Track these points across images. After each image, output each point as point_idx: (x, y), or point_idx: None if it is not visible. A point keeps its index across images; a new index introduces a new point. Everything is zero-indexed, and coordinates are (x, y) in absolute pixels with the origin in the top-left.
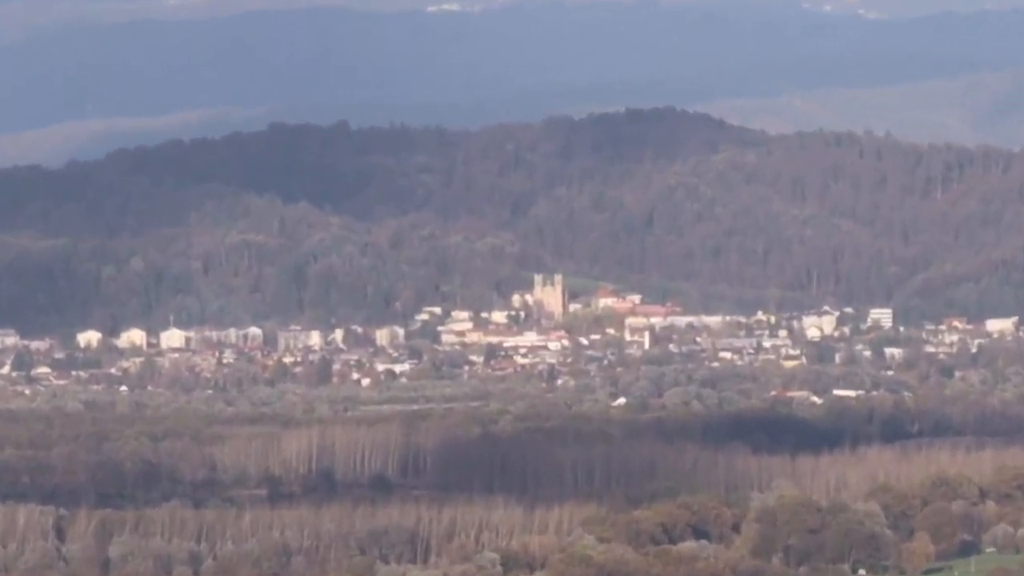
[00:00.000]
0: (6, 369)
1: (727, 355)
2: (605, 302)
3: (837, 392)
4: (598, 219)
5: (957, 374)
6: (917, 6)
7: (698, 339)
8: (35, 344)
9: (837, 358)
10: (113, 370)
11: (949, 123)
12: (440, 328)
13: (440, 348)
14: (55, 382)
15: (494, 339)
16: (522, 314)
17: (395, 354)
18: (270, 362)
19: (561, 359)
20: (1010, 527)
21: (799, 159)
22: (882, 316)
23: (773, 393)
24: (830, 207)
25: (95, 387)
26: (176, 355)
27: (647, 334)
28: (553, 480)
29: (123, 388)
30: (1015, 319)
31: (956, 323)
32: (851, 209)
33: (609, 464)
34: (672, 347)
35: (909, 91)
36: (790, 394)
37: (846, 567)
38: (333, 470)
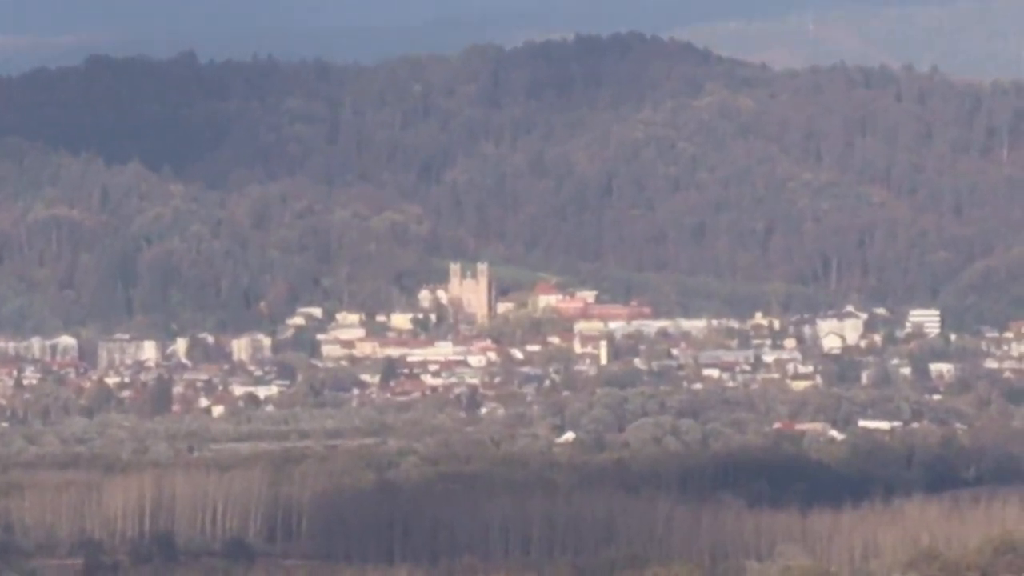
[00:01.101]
0: None
1: (714, 373)
2: (546, 300)
3: (864, 424)
4: (538, 187)
5: None
6: None
7: (674, 351)
8: None
9: (864, 377)
10: None
11: (1016, 54)
12: (321, 336)
13: (320, 364)
14: None
15: (394, 351)
16: (433, 317)
17: (259, 372)
18: (88, 383)
19: (487, 379)
20: None
21: (814, 104)
22: (926, 320)
23: (777, 425)
24: (855, 170)
25: None
26: None
27: (604, 344)
28: (475, 545)
29: None
30: None
31: None
32: (884, 173)
33: (552, 523)
34: (639, 362)
35: (964, 11)
36: (800, 427)
37: None
38: (174, 532)
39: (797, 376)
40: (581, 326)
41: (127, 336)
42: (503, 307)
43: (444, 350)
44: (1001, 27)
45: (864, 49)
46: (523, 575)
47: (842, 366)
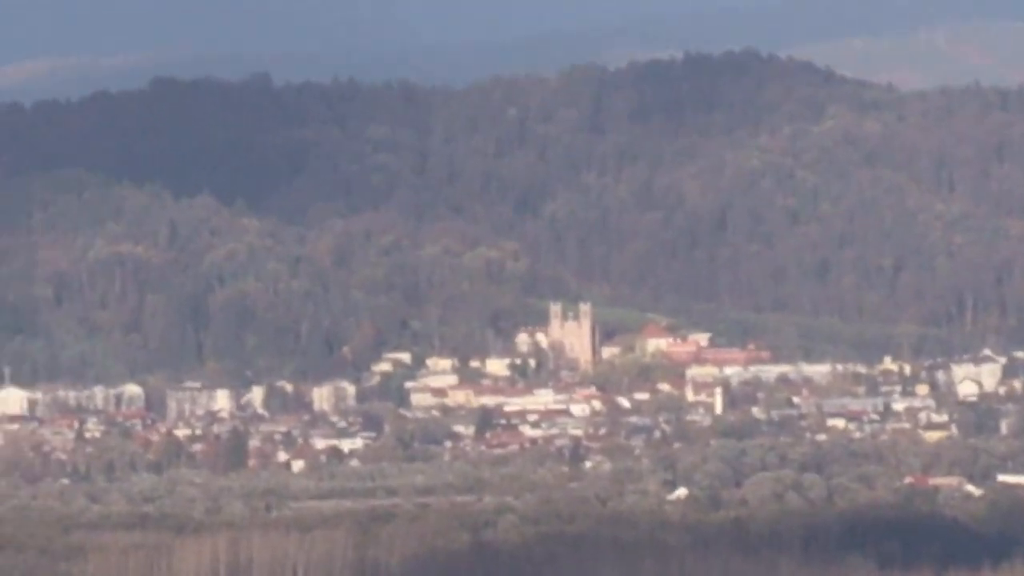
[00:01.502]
0: None
1: (839, 423)
2: (656, 344)
3: (1004, 478)
4: (645, 221)
5: None
6: None
7: (796, 399)
8: None
9: (1004, 427)
10: None
11: None
12: (409, 384)
13: (409, 414)
14: None
15: (490, 400)
16: (532, 362)
17: (342, 424)
18: (156, 436)
19: (591, 430)
20: None
21: (945, 128)
22: None
23: (909, 480)
24: (992, 201)
25: None
26: (15, 426)
27: (719, 392)
28: None
29: None
30: None
31: None
32: (1023, 204)
33: None
34: (757, 411)
35: None
36: (934, 481)
37: None
38: None
39: (930, 426)
40: (694, 372)
41: (198, 385)
42: (608, 351)
43: (544, 399)
44: None
45: (1000, 68)
46: None
47: (980, 414)
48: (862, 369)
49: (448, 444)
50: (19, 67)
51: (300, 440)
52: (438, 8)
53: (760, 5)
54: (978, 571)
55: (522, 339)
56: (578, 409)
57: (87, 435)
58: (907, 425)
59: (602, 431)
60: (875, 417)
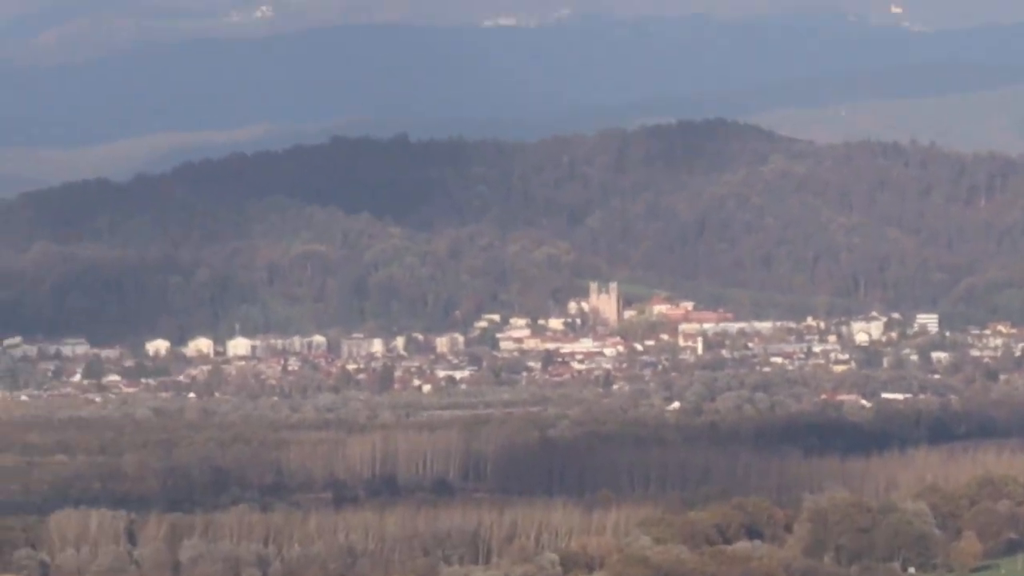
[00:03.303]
0: (77, 377)
1: (778, 360)
2: (659, 309)
3: (886, 396)
4: (652, 228)
5: (1002, 377)
6: (960, 19)
7: (750, 344)
8: (105, 353)
9: (885, 362)
10: (181, 378)
11: (993, 133)
12: (499, 335)
13: (499, 355)
14: (125, 390)
15: (551, 345)
16: (578, 321)
17: (455, 361)
18: (334, 369)
19: (616, 365)
20: None
21: (847, 169)
22: (928, 321)
23: (823, 397)
24: (877, 216)
25: (164, 394)
26: (242, 363)
27: (700, 340)
28: (610, 483)
29: (191, 395)
30: None
31: (1000, 327)
32: (897, 217)
33: (665, 467)
34: (724, 352)
35: (953, 102)
36: (840, 398)
37: (896, 566)
38: (396, 474)
39: (837, 362)
40: (684, 327)
41: (361, 335)
42: (628, 314)
43: (586, 345)
44: (978, 113)
45: (882, 129)
46: (642, 505)
47: (869, 355)
48: (792, 324)
49: (524, 374)
50: (245, 130)
51: (428, 372)
52: (516, 88)
53: (725, 89)
54: (868, 456)
55: (572, 306)
56: (608, 351)
57: (289, 368)
58: (822, 361)
59: (624, 366)
60: (801, 356)
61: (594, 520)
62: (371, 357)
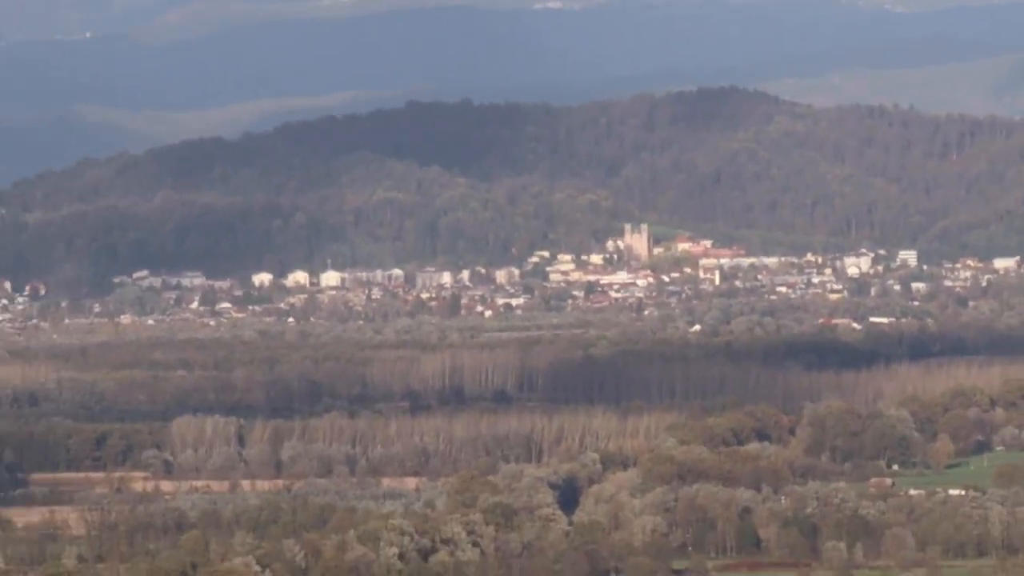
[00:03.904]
0: (195, 305)
1: (783, 290)
2: (683, 246)
3: (873, 319)
4: (676, 179)
5: (971, 304)
6: (936, 0)
7: (759, 276)
8: (218, 284)
9: (872, 292)
10: (282, 305)
11: (963, 98)
12: (548, 269)
13: (548, 285)
14: (235, 315)
15: (592, 278)
16: (615, 257)
17: (511, 290)
18: (410, 298)
19: (647, 294)
20: (1016, 429)
21: (840, 128)
22: (909, 257)
23: (820, 321)
24: (865, 168)
25: (267, 319)
26: (333, 292)
27: (717, 273)
28: (642, 393)
29: (290, 320)
30: (1017, 259)
31: (969, 262)
32: (882, 169)
33: (687, 380)
34: (738, 283)
35: (930, 72)
36: (835, 322)
37: (882, 463)
38: (462, 386)
39: (832, 291)
40: (704, 262)
41: (433, 269)
42: (656, 251)
43: (622, 277)
44: (950, 81)
45: (870, 95)
46: (668, 412)
47: (859, 285)
48: (795, 260)
49: (569, 301)
50: (334, 95)
51: (488, 299)
52: (562, 61)
53: (738, 61)
54: (858, 370)
55: (609, 244)
56: (640, 283)
57: (372, 297)
58: (819, 291)
59: (653, 294)
60: (802, 286)
61: (628, 425)
62: (441, 287)
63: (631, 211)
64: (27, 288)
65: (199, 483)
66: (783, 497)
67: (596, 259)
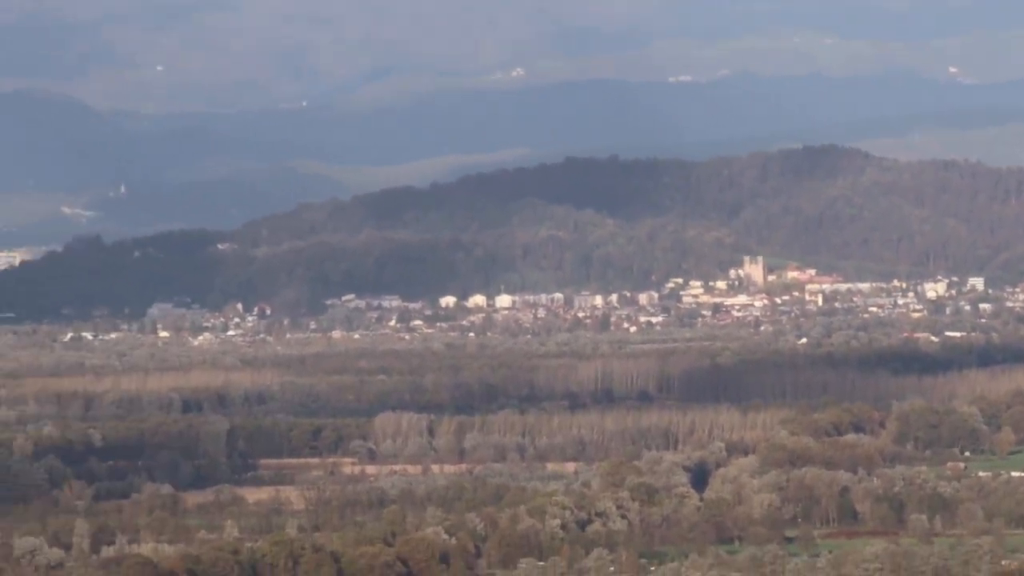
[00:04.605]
0: (392, 322)
1: (874, 309)
2: (792, 275)
3: (948, 334)
4: (786, 220)
5: None
6: (997, 75)
7: (854, 299)
8: (412, 305)
9: (947, 311)
10: (464, 322)
11: (1019, 154)
12: (682, 293)
13: (682, 306)
14: (425, 330)
15: (718, 300)
16: (736, 283)
17: (652, 311)
18: (568, 316)
19: (763, 313)
20: None
21: (920, 179)
22: (977, 283)
23: (904, 335)
24: (941, 211)
25: (452, 334)
26: (506, 312)
27: (820, 296)
28: (759, 394)
29: (471, 334)
30: None
31: None
32: (955, 212)
33: (796, 383)
34: (837, 304)
35: (992, 132)
36: (916, 336)
37: (956, 451)
38: (612, 388)
39: (914, 311)
40: (809, 287)
41: (587, 293)
42: (770, 278)
43: (742, 299)
44: (1012, 141)
45: (945, 151)
46: (781, 409)
47: (936, 306)
48: (883, 285)
49: (699, 319)
50: (506, 152)
51: (633, 318)
52: (692, 123)
53: (837, 123)
54: (936, 375)
55: (732, 272)
56: (757, 304)
57: (538, 316)
58: (904, 310)
59: (768, 314)
60: (890, 307)
61: (748, 419)
62: (594, 308)
63: (749, 246)
64: (255, 309)
65: (397, 467)
66: (875, 478)
67: (721, 285)
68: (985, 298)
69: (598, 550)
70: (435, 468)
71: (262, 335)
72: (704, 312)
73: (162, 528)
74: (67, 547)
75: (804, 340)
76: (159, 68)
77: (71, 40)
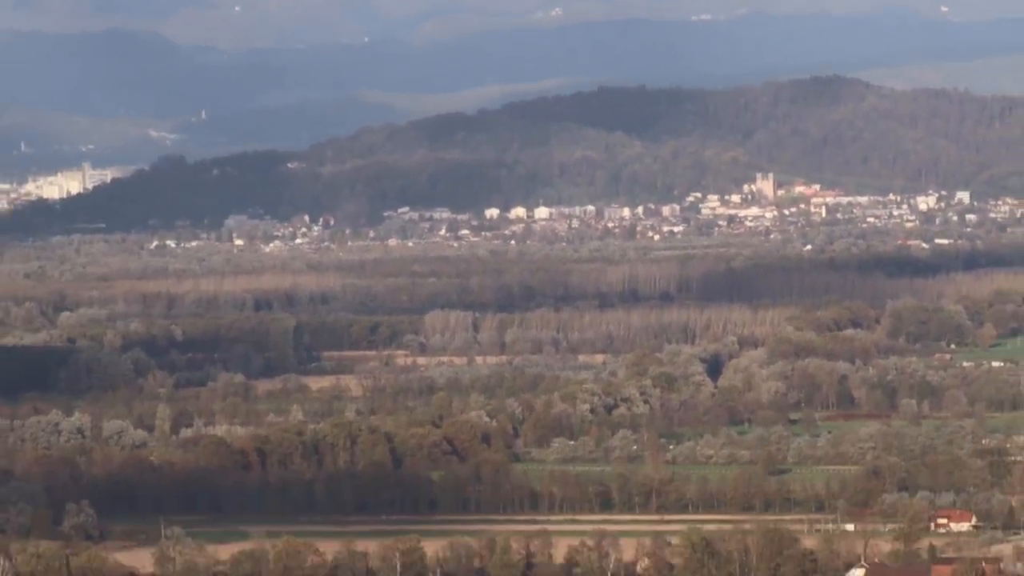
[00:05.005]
0: (443, 232)
1: (872, 219)
2: (799, 189)
3: (938, 241)
4: (794, 141)
5: (1008, 229)
6: (983, 13)
7: (854, 210)
8: (460, 216)
9: (937, 221)
10: (506, 232)
11: (1004, 83)
12: (701, 205)
13: (701, 217)
14: (471, 239)
15: (733, 212)
16: (749, 197)
17: (674, 221)
18: (599, 227)
19: (772, 223)
20: None
21: (913, 105)
22: (964, 196)
23: (898, 242)
24: (932, 133)
25: (495, 242)
26: (544, 223)
27: (824, 208)
28: (768, 294)
29: (512, 242)
30: None
31: (1007, 200)
32: (944, 134)
33: (802, 285)
34: (839, 215)
35: (979, 65)
36: (909, 243)
37: (943, 344)
38: (637, 289)
39: (907, 221)
40: (814, 200)
41: (616, 206)
42: (779, 192)
43: (754, 211)
44: (995, 72)
45: (937, 81)
46: (787, 307)
47: (927, 217)
48: (880, 198)
49: (716, 229)
50: (547, 81)
51: (657, 227)
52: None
53: (840, 57)
54: (926, 278)
55: (745, 188)
56: (768, 215)
57: (572, 226)
58: (898, 221)
59: (777, 224)
60: (885, 217)
61: (758, 316)
62: (622, 219)
63: (761, 164)
64: (320, 220)
65: (445, 359)
66: (871, 368)
67: (735, 198)
68: (971, 209)
69: (623, 431)
70: (479, 359)
71: (326, 243)
72: (720, 222)
73: (235, 412)
74: (150, 429)
75: (809, 247)
76: (236, 8)
77: None
